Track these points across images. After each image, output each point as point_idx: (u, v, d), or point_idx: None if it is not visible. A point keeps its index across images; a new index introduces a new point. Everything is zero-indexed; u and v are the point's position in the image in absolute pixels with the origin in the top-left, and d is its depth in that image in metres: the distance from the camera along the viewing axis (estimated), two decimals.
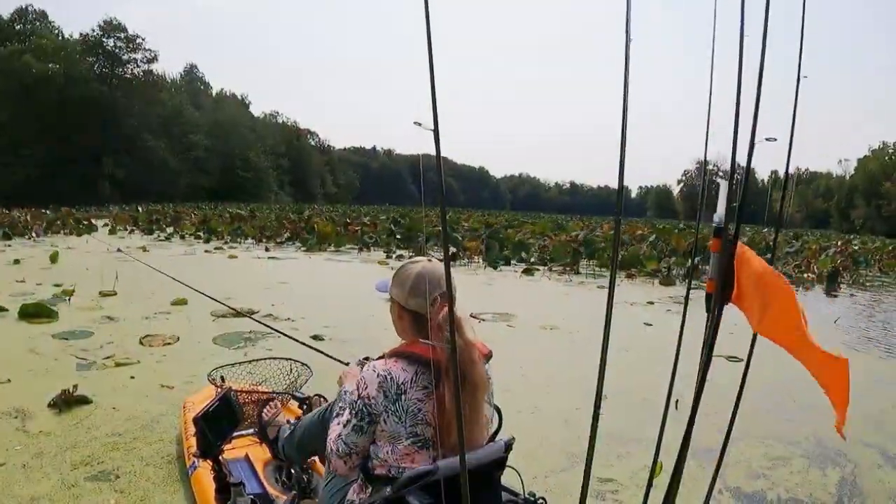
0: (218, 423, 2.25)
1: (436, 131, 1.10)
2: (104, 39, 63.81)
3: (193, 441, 2.31)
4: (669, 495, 1.51)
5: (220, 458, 2.32)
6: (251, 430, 2.56)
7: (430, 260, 1.90)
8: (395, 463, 1.72)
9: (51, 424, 3.68)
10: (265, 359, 2.81)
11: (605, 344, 1.41)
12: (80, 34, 63.74)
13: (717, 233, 1.55)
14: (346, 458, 1.77)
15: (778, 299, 1.36)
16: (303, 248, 17.78)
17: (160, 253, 14.72)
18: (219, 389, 2.36)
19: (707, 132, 1.66)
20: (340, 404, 1.90)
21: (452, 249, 16.84)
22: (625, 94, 1.31)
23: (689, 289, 1.77)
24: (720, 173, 1.52)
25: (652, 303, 9.81)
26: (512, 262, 15.56)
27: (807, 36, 1.55)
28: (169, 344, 5.73)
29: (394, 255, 16.38)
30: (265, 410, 2.33)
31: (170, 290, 8.43)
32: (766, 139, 1.39)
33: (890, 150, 77.76)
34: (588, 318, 8.07)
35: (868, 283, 15.69)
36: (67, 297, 7.58)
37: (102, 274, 9.17)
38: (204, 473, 2.49)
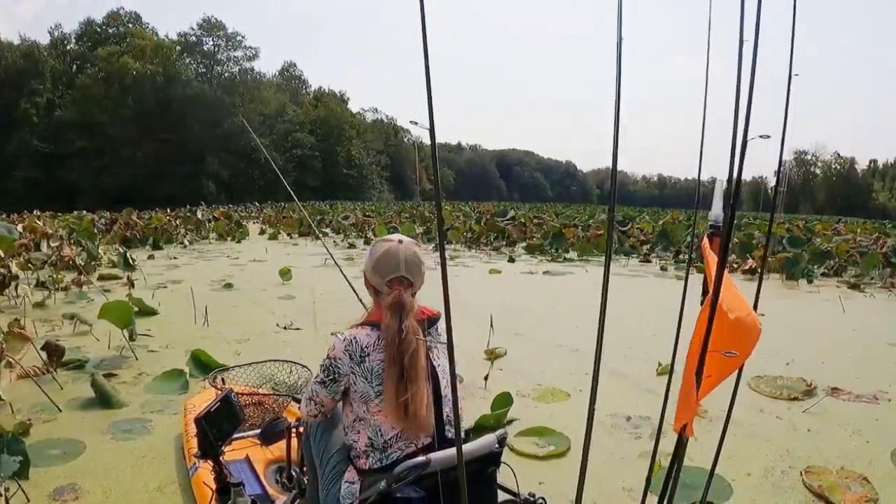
0: (219, 424, 2.25)
1: (431, 129, 1.17)
2: (203, 38, 63.18)
3: (194, 442, 2.32)
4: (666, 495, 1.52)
5: (221, 458, 2.33)
6: (252, 432, 2.57)
7: (400, 242, 1.95)
8: (374, 424, 1.84)
9: None
10: (266, 360, 2.82)
11: (599, 341, 1.35)
12: (178, 34, 63.18)
13: (714, 232, 1.53)
14: (308, 402, 2.02)
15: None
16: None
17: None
18: (219, 391, 2.37)
19: (702, 133, 1.62)
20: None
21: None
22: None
23: (687, 274, 1.77)
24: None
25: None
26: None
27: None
28: None
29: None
30: (268, 426, 2.34)
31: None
32: (760, 136, 1.32)
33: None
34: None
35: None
36: None
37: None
38: (204, 474, 2.50)
